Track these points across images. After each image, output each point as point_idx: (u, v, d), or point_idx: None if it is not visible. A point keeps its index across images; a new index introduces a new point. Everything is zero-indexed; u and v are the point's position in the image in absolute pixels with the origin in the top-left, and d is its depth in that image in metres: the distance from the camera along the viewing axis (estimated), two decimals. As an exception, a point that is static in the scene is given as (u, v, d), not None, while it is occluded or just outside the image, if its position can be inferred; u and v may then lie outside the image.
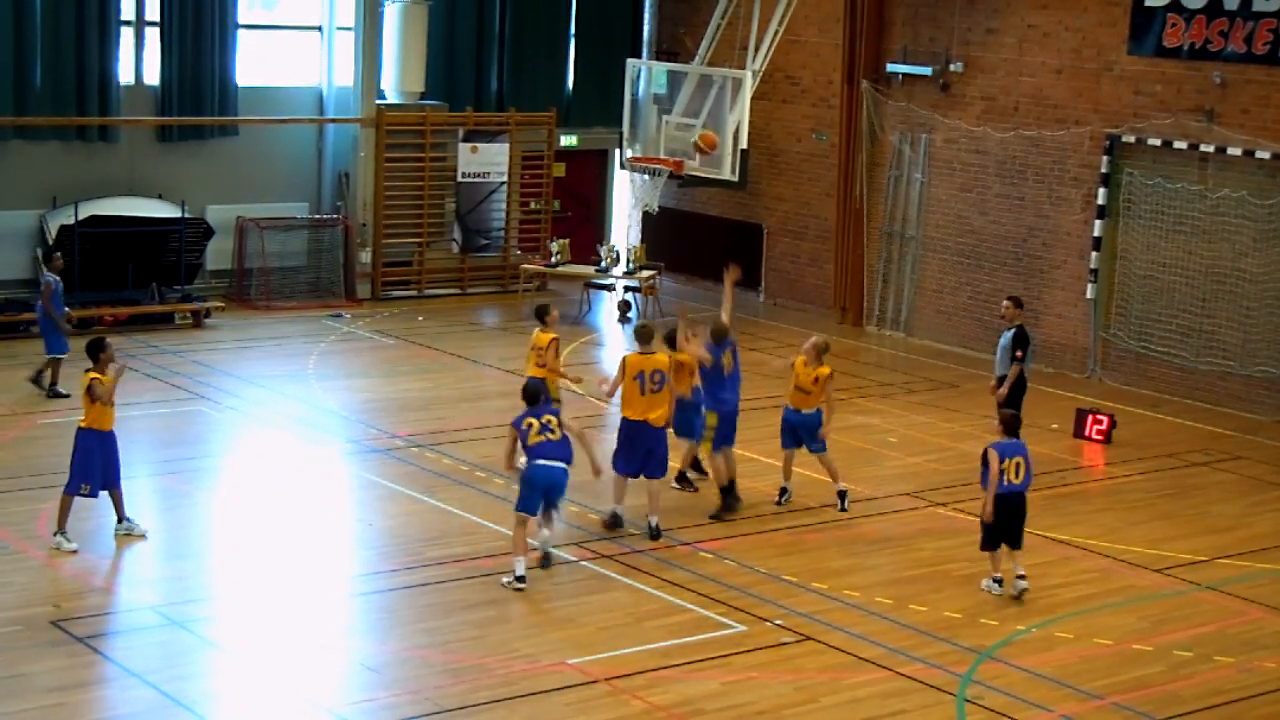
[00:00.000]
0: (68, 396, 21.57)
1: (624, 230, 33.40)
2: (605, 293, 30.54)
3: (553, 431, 16.18)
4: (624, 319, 29.31)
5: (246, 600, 15.76)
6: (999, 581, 16.67)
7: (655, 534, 17.69)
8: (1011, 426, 16.82)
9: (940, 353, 27.36)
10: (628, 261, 29.81)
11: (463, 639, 14.92)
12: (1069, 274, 26.60)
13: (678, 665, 14.55)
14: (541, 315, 19.67)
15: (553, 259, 29.81)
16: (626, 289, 29.79)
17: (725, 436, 18.71)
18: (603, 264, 29.63)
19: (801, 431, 18.84)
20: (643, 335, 18.18)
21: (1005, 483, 16.35)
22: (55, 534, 16.65)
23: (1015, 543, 16.67)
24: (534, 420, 16.16)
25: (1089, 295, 26.18)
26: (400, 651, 14.63)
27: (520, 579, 16.03)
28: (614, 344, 27.78)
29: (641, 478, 17.76)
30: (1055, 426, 23.09)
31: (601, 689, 13.99)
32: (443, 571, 16.51)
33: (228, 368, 24.43)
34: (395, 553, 17.03)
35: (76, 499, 16.68)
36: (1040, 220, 26.98)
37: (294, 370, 24.32)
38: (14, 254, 27.12)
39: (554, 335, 19.42)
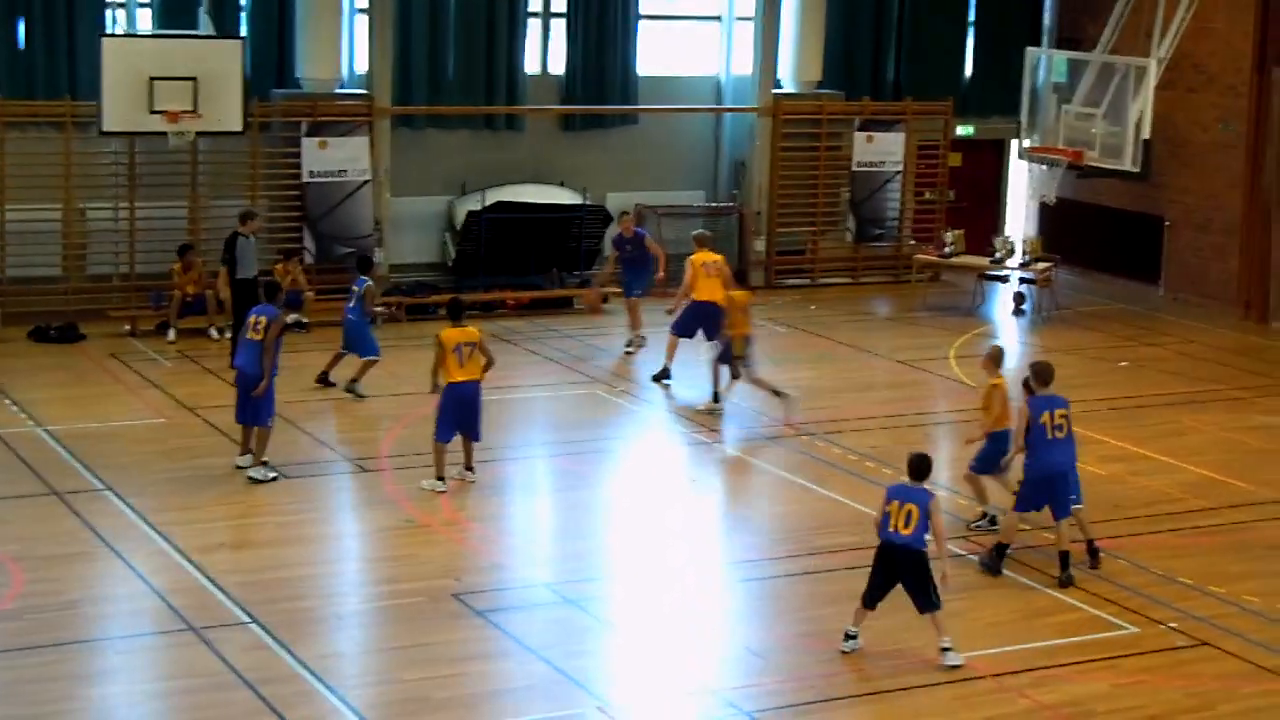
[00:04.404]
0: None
1: (1020, 221, 32.95)
2: (999, 284, 30.16)
3: None
4: (1018, 311, 28.91)
5: (636, 581, 16.14)
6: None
7: None
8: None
9: (1352, 352, 26.24)
10: (1023, 253, 29.41)
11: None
12: None
13: (1066, 665, 14.36)
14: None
15: (946, 249, 29.59)
16: (1021, 281, 29.38)
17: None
18: (997, 255, 29.27)
19: None
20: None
21: (891, 529, 14.16)
22: (433, 479, 18.25)
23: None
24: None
25: None
26: (785, 638, 14.77)
27: None
28: (1007, 336, 27.41)
29: None
30: None
31: (987, 684, 13.90)
32: (829, 560, 16.58)
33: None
34: (783, 540, 17.19)
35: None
36: None
37: (685, 358, 24.32)
38: (424, 238, 28.22)
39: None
